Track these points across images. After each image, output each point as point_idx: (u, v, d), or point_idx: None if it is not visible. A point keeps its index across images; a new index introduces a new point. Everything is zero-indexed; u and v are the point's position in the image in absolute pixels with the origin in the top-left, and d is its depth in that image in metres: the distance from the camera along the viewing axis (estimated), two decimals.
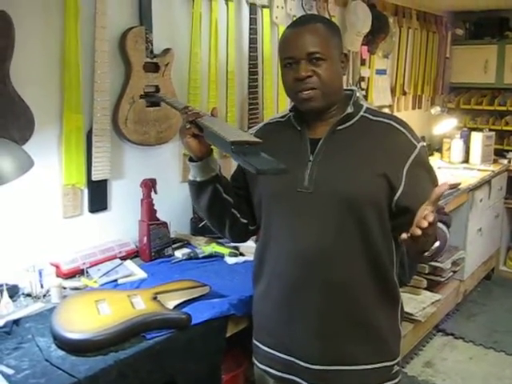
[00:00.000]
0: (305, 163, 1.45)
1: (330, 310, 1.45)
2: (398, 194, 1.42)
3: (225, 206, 1.56)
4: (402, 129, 1.46)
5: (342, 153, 1.44)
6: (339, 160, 1.43)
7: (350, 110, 1.46)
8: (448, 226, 1.48)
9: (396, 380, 1.55)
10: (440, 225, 1.41)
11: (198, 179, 1.50)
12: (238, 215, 1.59)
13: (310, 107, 1.44)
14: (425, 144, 1.49)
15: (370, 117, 1.48)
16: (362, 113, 1.49)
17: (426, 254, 1.31)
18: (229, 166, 2.58)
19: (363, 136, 1.45)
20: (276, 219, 1.50)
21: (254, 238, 2.09)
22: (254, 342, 1.63)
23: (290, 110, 1.55)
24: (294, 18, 2.81)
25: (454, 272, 3.78)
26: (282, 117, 1.61)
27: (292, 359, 1.51)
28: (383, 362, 1.50)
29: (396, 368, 1.54)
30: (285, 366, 1.53)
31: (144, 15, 2.15)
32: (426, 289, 3.49)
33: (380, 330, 1.49)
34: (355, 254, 1.43)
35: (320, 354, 1.48)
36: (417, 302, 3.30)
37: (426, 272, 3.55)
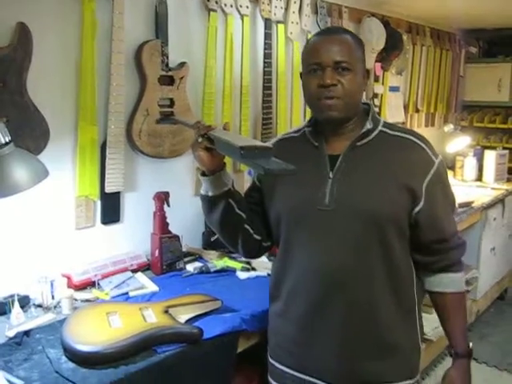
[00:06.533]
0: (325, 180, 1.43)
1: (352, 330, 1.43)
2: (417, 209, 1.41)
3: (238, 221, 1.53)
4: (421, 144, 1.45)
5: (362, 169, 1.42)
6: (360, 176, 1.41)
7: (369, 125, 1.45)
8: (460, 270, 1.52)
9: None
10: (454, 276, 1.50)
11: (210, 194, 1.48)
12: (252, 231, 1.56)
13: (329, 116, 1.41)
14: (442, 158, 1.48)
15: (389, 131, 1.47)
16: (380, 127, 1.47)
17: None
18: (242, 181, 2.58)
19: (383, 151, 1.43)
20: (296, 238, 1.47)
21: (267, 253, 2.08)
22: (271, 361, 1.60)
23: (307, 126, 1.53)
24: (309, 35, 2.85)
25: (467, 291, 3.73)
26: (295, 132, 1.58)
27: (313, 380, 1.48)
28: (406, 380, 1.48)
29: None
30: None
31: (160, 29, 2.17)
32: None
33: (401, 347, 1.47)
34: (378, 272, 1.41)
35: (342, 374, 1.45)
36: (429, 321, 3.22)
37: None
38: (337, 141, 1.46)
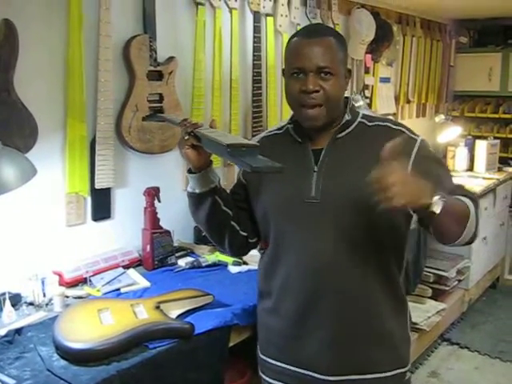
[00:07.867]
0: (310, 174, 1.44)
1: (343, 321, 1.44)
2: None
3: (224, 218, 1.53)
4: (399, 128, 1.46)
5: (346, 160, 1.43)
6: (344, 167, 1.43)
7: (347, 117, 1.47)
8: (475, 202, 1.36)
9: None
10: (463, 198, 1.34)
11: (198, 191, 1.48)
12: (238, 228, 1.56)
13: (313, 126, 1.43)
14: (424, 138, 1.48)
15: (367, 123, 1.49)
16: (359, 119, 1.49)
17: (435, 210, 1.20)
18: (232, 174, 2.58)
19: (363, 141, 1.45)
20: (285, 232, 1.47)
21: (258, 247, 2.08)
22: (261, 356, 1.59)
23: (289, 123, 1.54)
24: (298, 27, 2.84)
25: (459, 281, 3.76)
26: (279, 129, 1.59)
27: (305, 372, 1.48)
28: (397, 369, 1.50)
29: (408, 374, 1.54)
30: (297, 379, 1.50)
31: (148, 23, 2.16)
32: (430, 298, 3.47)
33: (392, 337, 1.48)
34: (367, 262, 1.42)
35: (335, 364, 1.46)
36: (421, 311, 3.28)
37: (431, 281, 3.53)
38: (319, 135, 1.47)
